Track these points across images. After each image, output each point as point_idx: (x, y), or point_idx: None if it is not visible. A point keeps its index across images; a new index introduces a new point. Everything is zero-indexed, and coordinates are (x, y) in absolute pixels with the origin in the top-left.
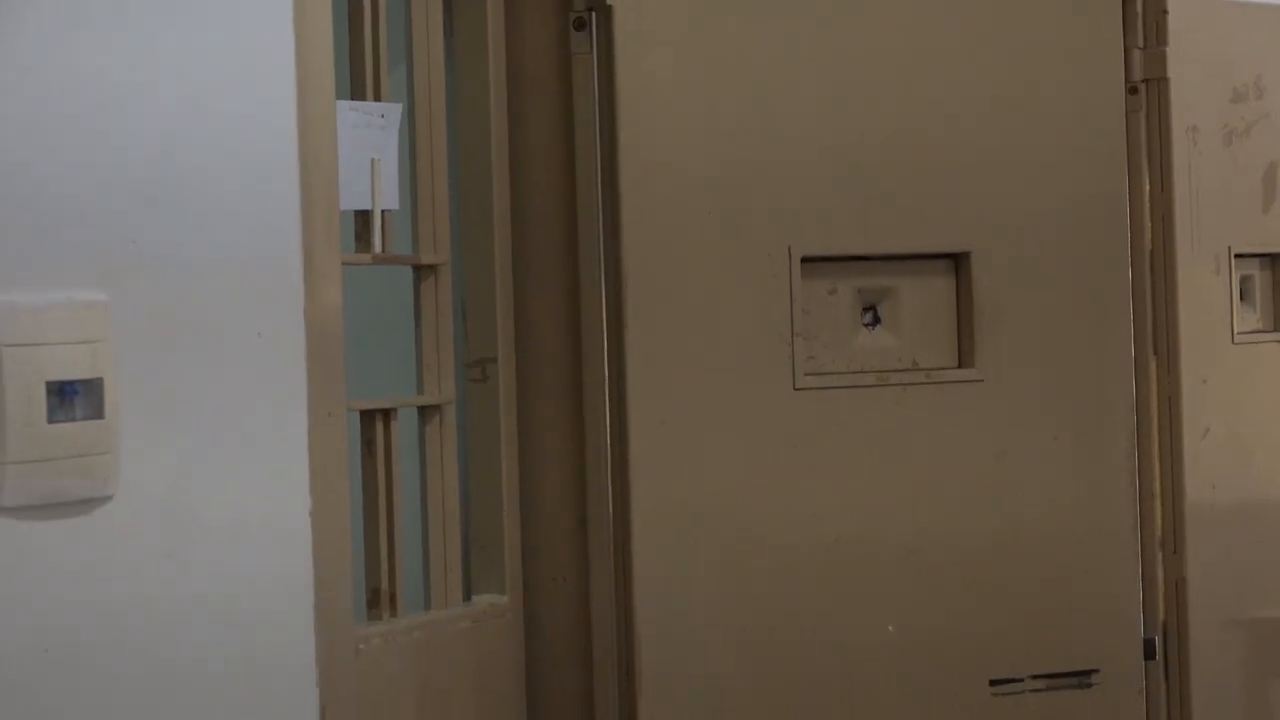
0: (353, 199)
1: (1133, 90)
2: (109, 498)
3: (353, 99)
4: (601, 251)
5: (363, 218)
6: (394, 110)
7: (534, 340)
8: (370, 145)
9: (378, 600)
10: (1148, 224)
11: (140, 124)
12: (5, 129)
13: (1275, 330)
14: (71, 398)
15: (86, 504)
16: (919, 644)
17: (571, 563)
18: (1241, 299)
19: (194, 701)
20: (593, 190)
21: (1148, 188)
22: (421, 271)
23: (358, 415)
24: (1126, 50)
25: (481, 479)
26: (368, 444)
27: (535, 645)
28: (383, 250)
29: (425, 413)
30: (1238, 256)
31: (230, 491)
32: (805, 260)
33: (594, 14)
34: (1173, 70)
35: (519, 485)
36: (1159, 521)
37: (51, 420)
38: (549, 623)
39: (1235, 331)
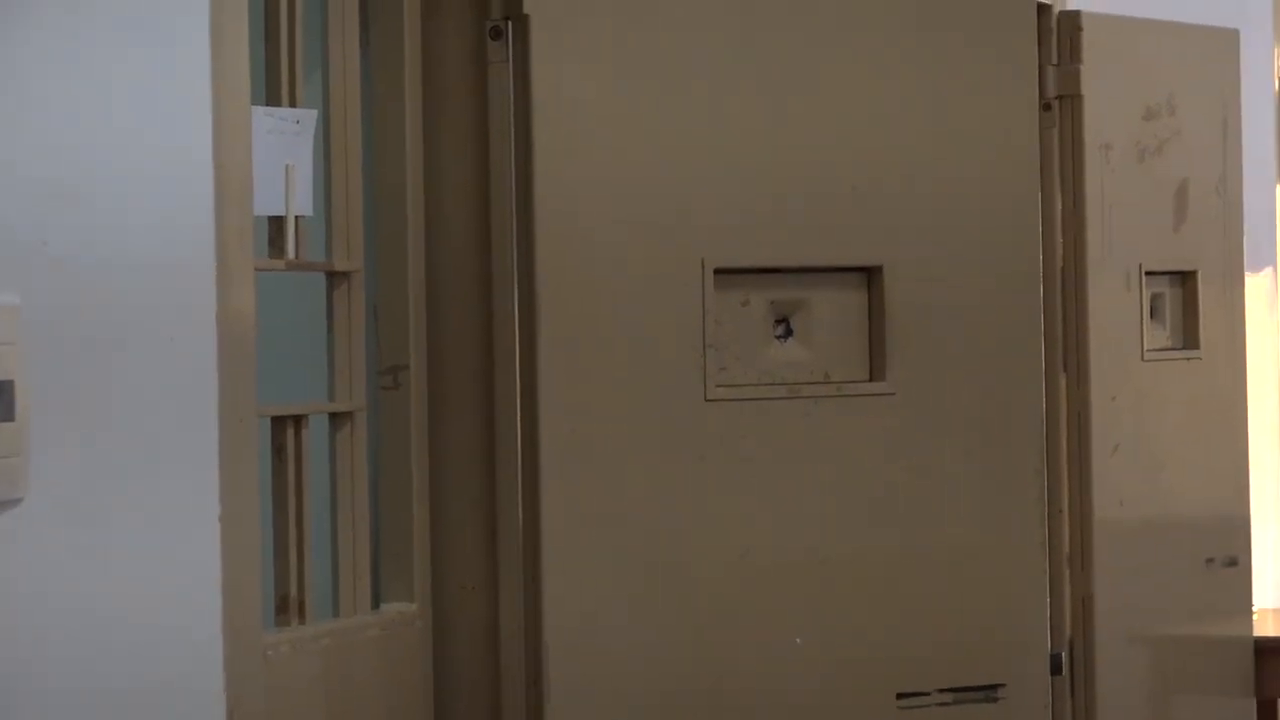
0: (266, 204)
1: (1046, 107)
2: (18, 500)
3: (268, 104)
4: (515, 260)
5: (276, 223)
6: (309, 116)
7: (446, 348)
8: (285, 151)
9: (287, 607)
10: (1059, 240)
11: (53, 126)
12: None
13: (1185, 348)
14: None
15: None
16: (826, 656)
17: (481, 571)
18: (1152, 316)
19: (99, 705)
20: (507, 199)
21: (1060, 204)
22: (334, 278)
23: (268, 421)
24: (1040, 67)
25: (392, 486)
26: (278, 450)
27: (444, 654)
28: (296, 256)
29: (336, 420)
30: (1148, 274)
31: (139, 496)
32: (718, 272)
33: (510, 23)
34: (1086, 87)
35: (429, 493)
36: (1067, 537)
37: None
38: (458, 631)
39: (1145, 349)
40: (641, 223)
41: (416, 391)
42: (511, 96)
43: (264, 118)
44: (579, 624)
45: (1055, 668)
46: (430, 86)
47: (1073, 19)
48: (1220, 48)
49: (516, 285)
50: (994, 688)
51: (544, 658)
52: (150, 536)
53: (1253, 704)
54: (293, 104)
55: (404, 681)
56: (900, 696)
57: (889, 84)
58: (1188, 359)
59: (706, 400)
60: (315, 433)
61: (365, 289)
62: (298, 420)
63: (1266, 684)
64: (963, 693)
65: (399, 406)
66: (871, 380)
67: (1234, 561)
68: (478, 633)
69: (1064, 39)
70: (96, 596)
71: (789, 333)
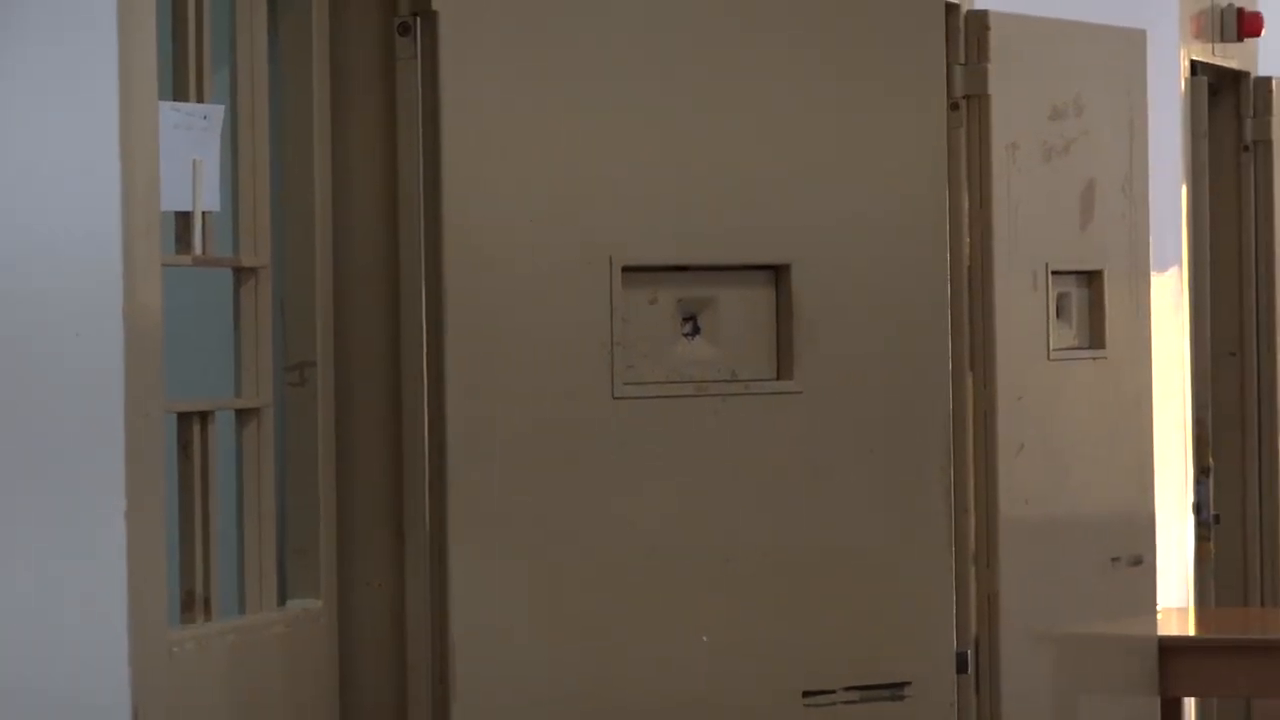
0: (174, 200)
1: (954, 106)
2: None
3: (175, 100)
4: (423, 257)
5: (183, 219)
6: (216, 111)
7: (353, 345)
8: (192, 146)
9: (192, 603)
10: (967, 239)
11: None
12: None
13: (1091, 347)
14: None
15: None
16: (733, 654)
17: (387, 568)
18: (1058, 316)
19: (5, 702)
20: (415, 195)
21: (967, 203)
22: (241, 274)
23: (174, 418)
24: (948, 66)
25: (298, 483)
26: (184, 446)
27: (350, 650)
28: (203, 252)
29: (243, 416)
30: (1055, 273)
31: (44, 492)
32: (626, 269)
33: (419, 19)
34: (994, 87)
35: (335, 490)
36: (973, 536)
37: None
38: (364, 628)
39: (1051, 348)
40: (549, 220)
41: (323, 388)
42: (420, 93)
43: (171, 113)
44: (485, 621)
45: (961, 666)
46: (338, 82)
47: (980, 18)
48: (1127, 48)
49: (424, 282)
50: (900, 686)
51: (450, 654)
52: (55, 533)
53: (1157, 702)
54: (200, 99)
55: (309, 678)
56: (806, 695)
57: (797, 83)
58: (1094, 358)
59: (614, 398)
60: (222, 429)
61: (272, 285)
62: (204, 416)
63: (1171, 683)
64: (868, 691)
65: (306, 403)
66: (779, 379)
67: (1139, 560)
68: (384, 629)
69: (972, 38)
70: (1, 595)
71: (696, 331)
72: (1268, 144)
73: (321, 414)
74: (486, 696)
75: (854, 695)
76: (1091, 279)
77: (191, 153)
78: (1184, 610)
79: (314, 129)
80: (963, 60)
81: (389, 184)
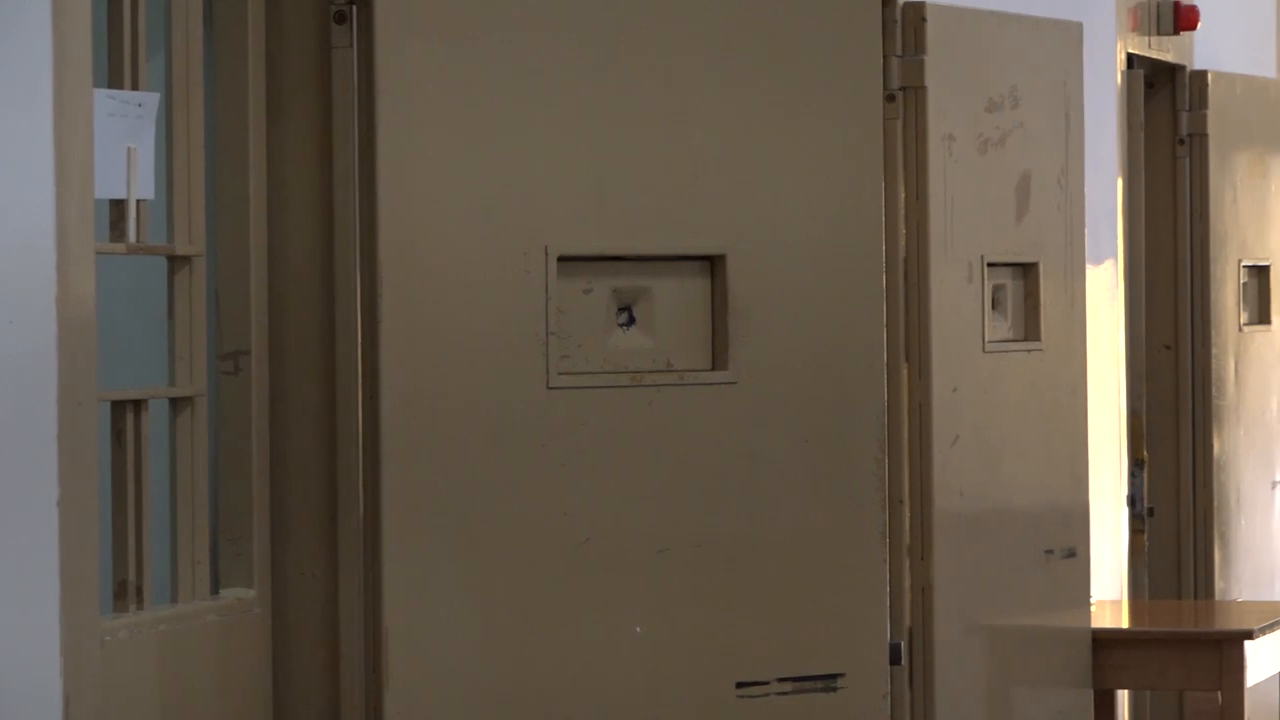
0: (108, 188)
1: (890, 98)
2: None
3: (110, 87)
4: (358, 246)
5: (118, 207)
6: (151, 99)
7: (288, 334)
8: (127, 134)
9: (125, 592)
10: (902, 231)
11: None
12: None
13: (1026, 339)
14: None
15: None
16: (666, 645)
17: (321, 558)
18: (993, 308)
19: None
20: (350, 185)
21: (903, 195)
22: (176, 262)
23: (108, 406)
24: (885, 58)
25: (231, 472)
26: (118, 435)
27: (283, 640)
28: (137, 240)
29: (176, 404)
30: (990, 265)
31: None
32: (561, 259)
33: (355, 8)
34: (930, 79)
35: (269, 479)
36: (907, 528)
37: None
38: (297, 617)
39: (986, 340)
40: (485, 209)
41: (258, 377)
42: (355, 81)
43: (106, 100)
44: (419, 610)
45: (894, 657)
46: (274, 70)
47: (917, 10)
48: (1063, 40)
49: (359, 271)
50: (833, 677)
51: (383, 643)
52: None
53: (1090, 695)
54: (135, 87)
55: (242, 667)
56: (740, 685)
57: (734, 75)
58: (1029, 350)
59: (549, 388)
60: (155, 418)
61: (207, 273)
62: (138, 405)
63: (1104, 675)
64: (802, 682)
65: (240, 392)
66: (714, 369)
67: (1073, 553)
68: (317, 619)
69: (908, 30)
70: None
71: (632, 321)
72: (1203, 137)
73: (255, 403)
74: (420, 685)
75: (787, 686)
76: (1027, 271)
77: (126, 140)
78: (1117, 603)
79: (249, 117)
80: (899, 52)
81: (324, 173)
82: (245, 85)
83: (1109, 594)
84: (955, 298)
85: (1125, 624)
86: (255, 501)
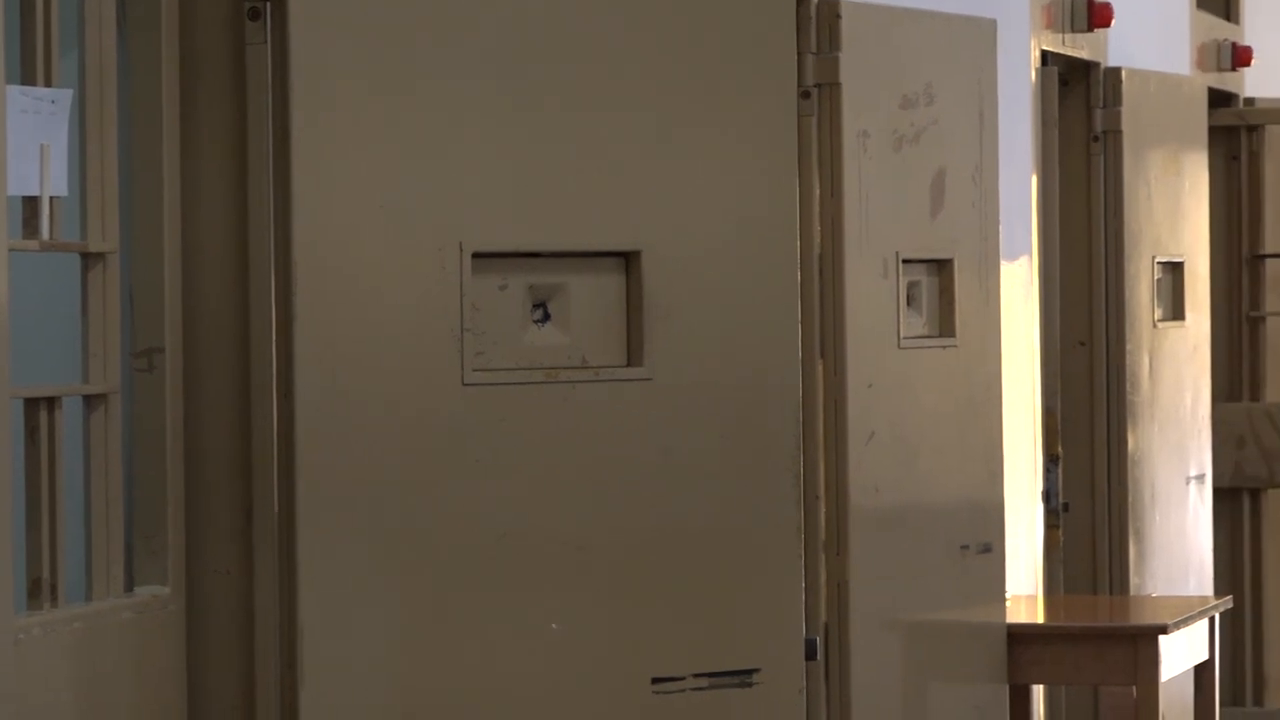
0: (20, 184)
1: (805, 94)
2: None
3: (23, 84)
4: (272, 243)
5: (30, 204)
6: (64, 96)
7: (202, 331)
8: (40, 131)
9: (38, 590)
10: (818, 227)
11: None
12: None
13: (941, 335)
14: None
15: None
16: (582, 641)
17: (236, 555)
18: (908, 304)
19: None
20: (264, 182)
21: (818, 192)
22: (89, 259)
23: (21, 403)
24: (800, 55)
25: (146, 469)
26: (31, 432)
27: (197, 637)
28: (50, 237)
29: (90, 401)
30: (905, 262)
31: None
32: (476, 256)
33: (269, 4)
34: (845, 76)
35: (184, 476)
36: (823, 523)
37: None
38: (212, 615)
39: (902, 336)
40: (399, 206)
41: (172, 374)
42: (270, 78)
43: (18, 97)
44: (334, 607)
45: (810, 653)
46: (188, 67)
47: (831, 7)
48: (978, 37)
49: (273, 269)
50: (749, 673)
51: (298, 641)
52: None
53: (1005, 690)
54: (48, 83)
55: (157, 665)
56: (656, 681)
57: (649, 71)
58: (944, 347)
59: (464, 385)
60: (69, 415)
61: (121, 270)
62: (51, 402)
63: (1019, 670)
64: (717, 677)
65: (154, 389)
66: (629, 365)
67: (988, 548)
68: (232, 616)
69: (823, 27)
70: None
71: (547, 317)
72: (1117, 134)
73: (170, 400)
74: (335, 682)
75: (703, 682)
76: (942, 268)
77: (39, 137)
78: (1033, 598)
79: (163, 113)
80: (814, 49)
81: (239, 170)
82: (159, 81)
83: (1024, 589)
84: (870, 294)
85: (1040, 619)
86: (170, 499)
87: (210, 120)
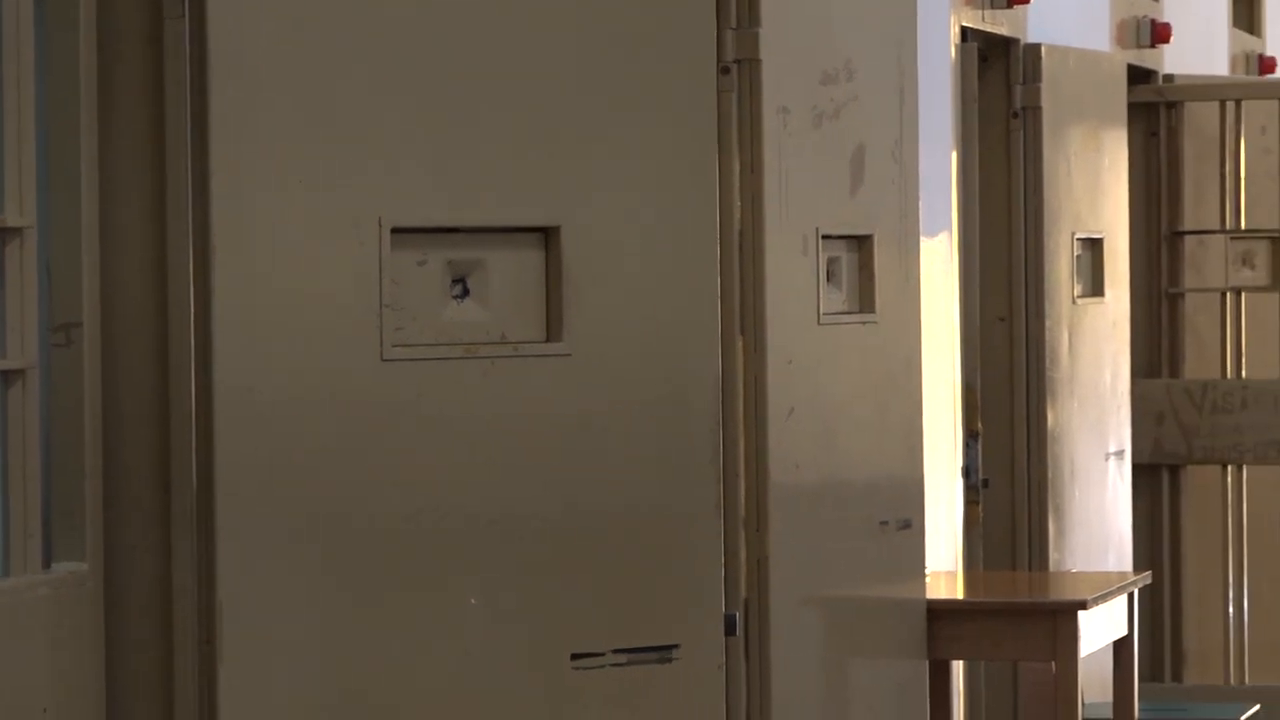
0: None
1: (724, 70)
2: None
3: None
4: (190, 216)
5: None
6: None
7: (121, 306)
8: None
9: None
10: (737, 203)
11: None
12: None
13: (860, 311)
14: None
15: None
16: (501, 617)
17: (154, 531)
18: (828, 280)
19: None
20: (183, 155)
21: (738, 167)
22: (6, 234)
23: None
24: (719, 30)
25: (63, 445)
26: None
27: (115, 613)
28: None
29: (7, 377)
30: (825, 238)
31: None
32: (395, 231)
33: None
34: (765, 52)
35: (102, 452)
36: (743, 500)
37: None
38: (130, 591)
39: (821, 312)
40: (318, 182)
41: (90, 349)
42: (188, 51)
43: None
44: (252, 584)
45: (730, 629)
46: (105, 40)
47: None
48: (897, 13)
49: (191, 242)
50: (668, 649)
51: (217, 617)
52: None
53: (925, 665)
54: None
55: (74, 641)
56: (575, 657)
57: (568, 47)
58: (863, 323)
59: (383, 360)
60: None
61: (38, 245)
62: None
63: (939, 645)
64: (637, 653)
65: (72, 364)
66: (548, 341)
67: (908, 524)
68: (150, 592)
69: (742, 2)
70: None
71: (466, 293)
72: (1036, 110)
73: (88, 375)
74: (253, 659)
75: (622, 658)
76: (862, 244)
77: None
78: (952, 574)
79: (80, 87)
80: (733, 25)
81: (156, 144)
82: (76, 55)
83: (944, 565)
84: (790, 270)
85: (960, 595)
86: (88, 475)
87: (128, 94)
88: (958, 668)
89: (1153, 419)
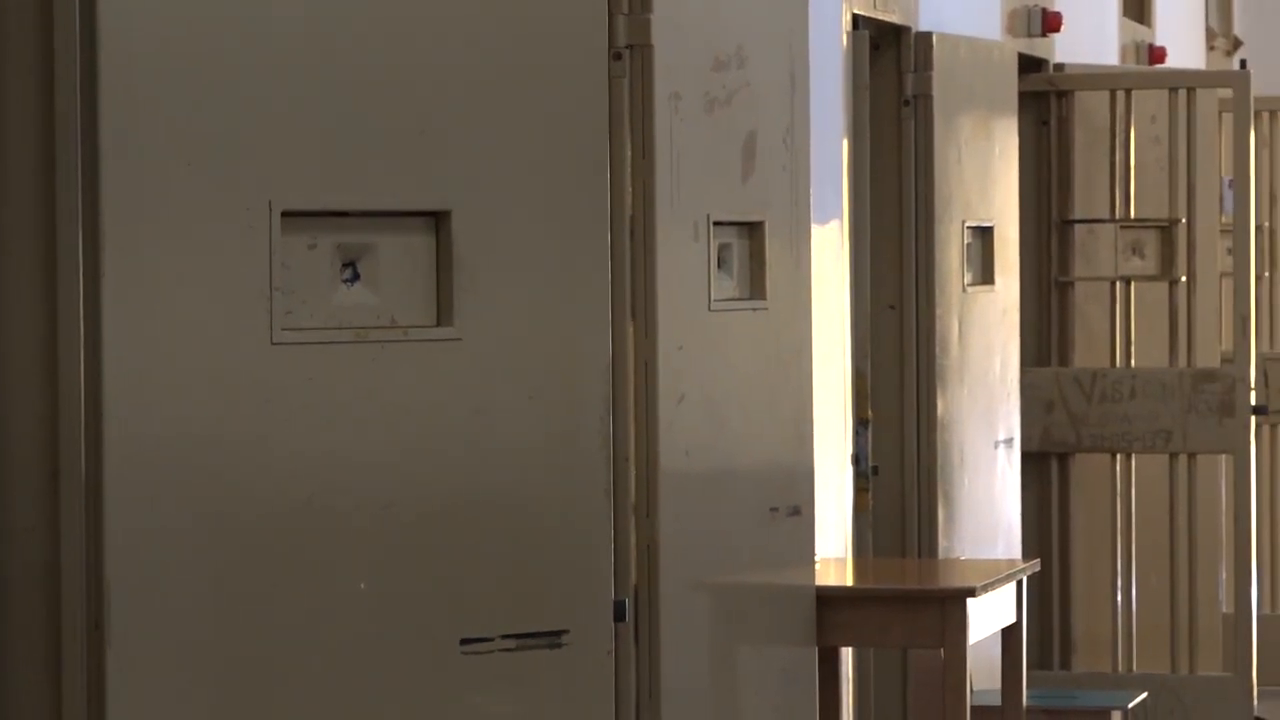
0: None
1: (616, 56)
2: None
3: None
4: (80, 197)
5: None
6: None
7: (7, 287)
8: None
9: None
10: (628, 189)
11: None
12: None
13: (751, 298)
14: None
15: None
16: (390, 602)
17: (41, 512)
18: (719, 266)
19: None
20: (71, 128)
21: (629, 153)
22: None
23: None
24: (610, 15)
25: None
26: None
27: (2, 596)
28: None
29: None
30: (716, 224)
31: None
32: (285, 214)
33: None
34: (657, 37)
35: None
36: (633, 485)
37: None
38: (16, 573)
39: (712, 299)
40: (208, 163)
41: None
42: (78, 26)
43: None
44: (140, 567)
45: (619, 614)
46: None
47: None
48: (789, 0)
49: (80, 226)
50: (557, 634)
51: (105, 600)
52: None
53: (814, 652)
54: None
55: None
56: (464, 642)
57: (459, 29)
58: (754, 310)
59: (272, 344)
60: None
61: None
62: None
63: (828, 632)
64: (526, 639)
65: None
66: (439, 325)
67: (797, 511)
68: (37, 575)
69: None
70: None
71: (356, 277)
72: (927, 98)
73: None
74: (142, 642)
75: (511, 643)
76: (753, 230)
77: None
78: (841, 560)
79: None
80: (625, 10)
81: (47, 114)
82: None
83: (833, 552)
84: (681, 256)
85: (849, 582)
86: None
87: (16, 67)
88: (847, 654)
89: (1042, 407)
